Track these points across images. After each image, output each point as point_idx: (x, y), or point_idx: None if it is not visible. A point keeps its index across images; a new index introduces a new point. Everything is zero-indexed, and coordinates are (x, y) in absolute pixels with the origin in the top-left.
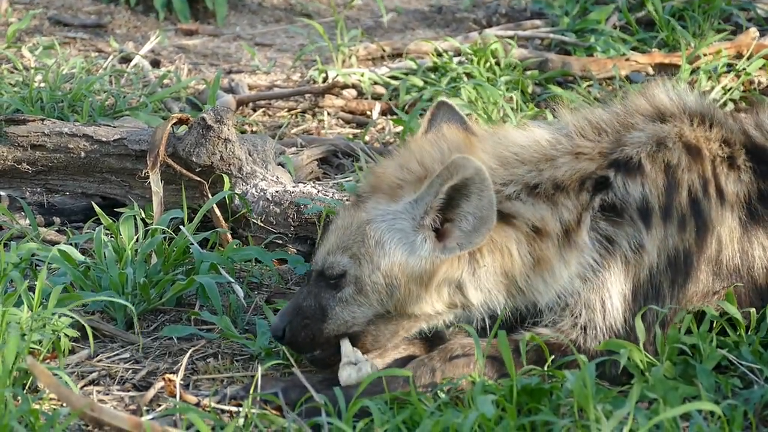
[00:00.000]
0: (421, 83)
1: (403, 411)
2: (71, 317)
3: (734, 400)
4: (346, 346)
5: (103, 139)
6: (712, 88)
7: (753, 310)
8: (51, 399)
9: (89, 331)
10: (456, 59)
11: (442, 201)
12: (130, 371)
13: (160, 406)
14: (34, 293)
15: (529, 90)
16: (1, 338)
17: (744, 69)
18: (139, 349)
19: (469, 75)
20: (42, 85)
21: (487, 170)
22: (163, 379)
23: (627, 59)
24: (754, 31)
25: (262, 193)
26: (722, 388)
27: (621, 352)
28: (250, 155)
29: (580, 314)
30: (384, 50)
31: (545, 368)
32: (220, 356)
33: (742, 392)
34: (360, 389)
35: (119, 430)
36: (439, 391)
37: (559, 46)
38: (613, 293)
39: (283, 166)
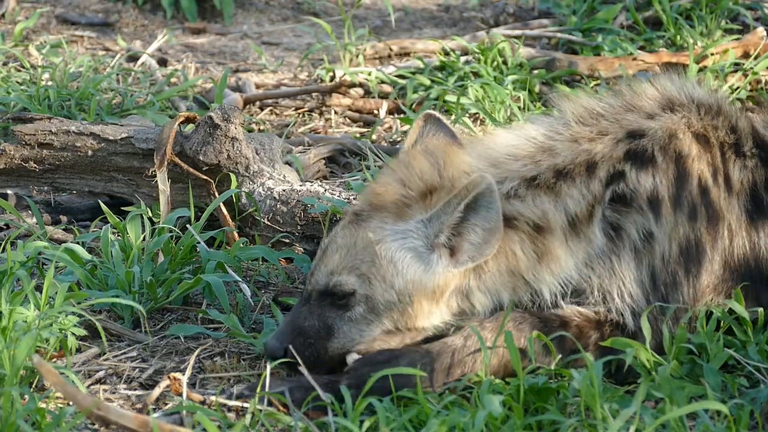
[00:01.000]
0: (428, 82)
1: (409, 410)
2: (78, 316)
3: (741, 399)
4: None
5: (111, 138)
6: (720, 87)
7: (761, 309)
8: (57, 398)
9: (100, 328)
10: (463, 58)
11: (457, 219)
12: (137, 370)
13: (166, 404)
14: (41, 292)
15: (536, 89)
16: (7, 337)
17: (751, 68)
18: (146, 348)
19: (476, 74)
20: (49, 83)
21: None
22: (169, 377)
23: (634, 58)
24: (761, 31)
25: (269, 192)
26: (729, 388)
27: (627, 351)
28: (257, 154)
29: (598, 300)
30: (391, 49)
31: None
32: (226, 355)
33: (749, 391)
34: (367, 387)
35: (126, 428)
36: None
37: (566, 45)
38: (626, 281)
39: (290, 164)
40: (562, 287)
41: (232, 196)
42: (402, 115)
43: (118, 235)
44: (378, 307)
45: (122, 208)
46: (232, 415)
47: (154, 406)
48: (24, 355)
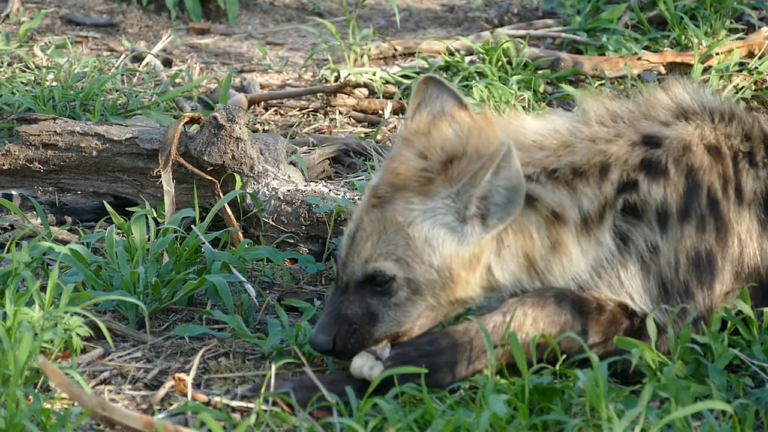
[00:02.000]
0: None
1: (414, 410)
2: (83, 316)
3: (746, 399)
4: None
5: (115, 138)
6: (724, 87)
7: (767, 309)
8: (62, 398)
9: (104, 329)
10: (468, 58)
11: (485, 189)
12: (142, 370)
13: (171, 405)
14: (45, 293)
15: (541, 89)
16: (12, 337)
17: (756, 68)
18: (151, 349)
19: (480, 74)
20: (54, 84)
21: None
22: (174, 378)
23: (639, 58)
24: (766, 30)
25: (273, 192)
26: (734, 388)
27: (633, 352)
28: (261, 154)
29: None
30: (396, 49)
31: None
32: (231, 355)
33: (754, 391)
34: (371, 388)
35: (131, 429)
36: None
37: (570, 45)
38: (634, 290)
39: (294, 165)
40: (572, 286)
41: (236, 196)
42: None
43: (123, 236)
44: (420, 288)
45: (127, 208)
46: (236, 416)
47: (159, 407)
48: (28, 355)
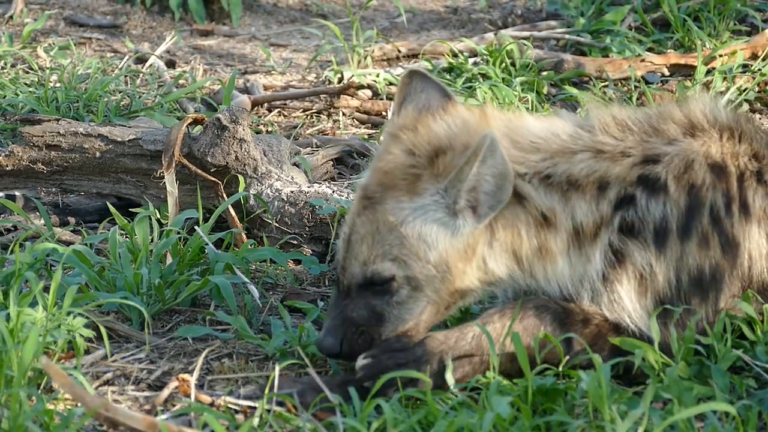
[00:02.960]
0: None
1: (417, 411)
2: (86, 317)
3: (749, 400)
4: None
5: (119, 139)
6: (728, 89)
7: (766, 306)
8: (66, 399)
9: (103, 331)
10: (471, 60)
11: (472, 181)
12: (145, 371)
13: (174, 406)
14: (48, 293)
15: (545, 91)
16: (15, 338)
17: (759, 70)
18: (154, 350)
19: (484, 76)
20: (57, 85)
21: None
22: (178, 379)
23: (642, 60)
24: None
25: (277, 194)
26: (737, 389)
27: (636, 353)
28: (265, 155)
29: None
30: (399, 51)
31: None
32: (234, 356)
33: (757, 393)
34: (375, 388)
35: (134, 430)
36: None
37: (574, 46)
38: (630, 310)
39: (298, 166)
40: (557, 293)
41: (240, 197)
42: None
43: (126, 237)
44: (420, 284)
45: (130, 209)
46: (240, 417)
47: (162, 408)
48: (32, 356)
